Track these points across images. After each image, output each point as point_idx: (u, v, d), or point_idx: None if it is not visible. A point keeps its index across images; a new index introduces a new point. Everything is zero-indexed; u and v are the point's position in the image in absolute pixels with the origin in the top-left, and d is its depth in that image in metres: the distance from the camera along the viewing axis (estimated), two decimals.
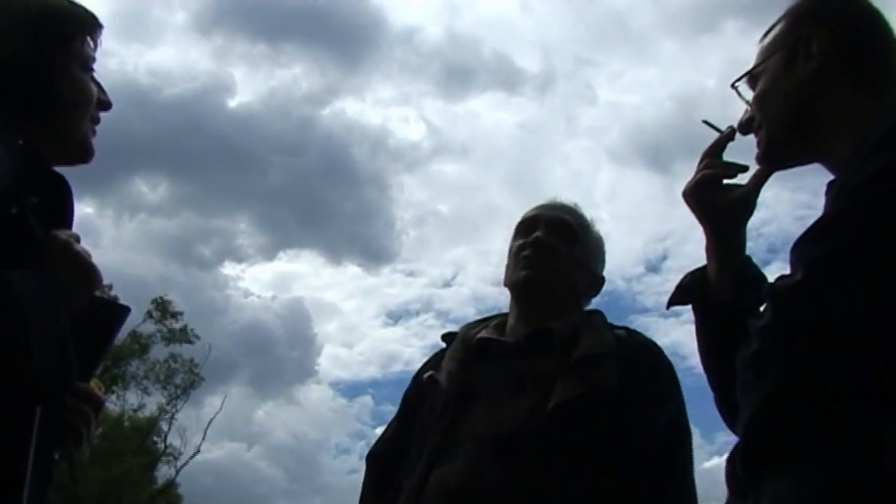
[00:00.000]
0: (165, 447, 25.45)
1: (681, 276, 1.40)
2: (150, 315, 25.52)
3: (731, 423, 1.22)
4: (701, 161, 1.36)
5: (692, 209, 1.35)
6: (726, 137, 1.36)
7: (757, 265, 1.35)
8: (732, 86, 1.31)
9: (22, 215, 1.11)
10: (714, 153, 1.36)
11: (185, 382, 25.72)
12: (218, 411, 25.87)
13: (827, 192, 1.14)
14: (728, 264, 1.32)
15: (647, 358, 1.74)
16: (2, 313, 0.99)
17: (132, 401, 25.77)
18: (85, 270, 1.18)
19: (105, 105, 1.35)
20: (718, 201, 1.33)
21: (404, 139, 45.63)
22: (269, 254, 40.32)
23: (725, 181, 1.35)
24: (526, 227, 1.88)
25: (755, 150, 1.30)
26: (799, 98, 1.21)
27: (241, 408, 32.88)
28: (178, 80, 37.00)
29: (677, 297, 1.38)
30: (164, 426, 25.69)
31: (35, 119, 1.23)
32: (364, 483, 1.88)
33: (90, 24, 1.33)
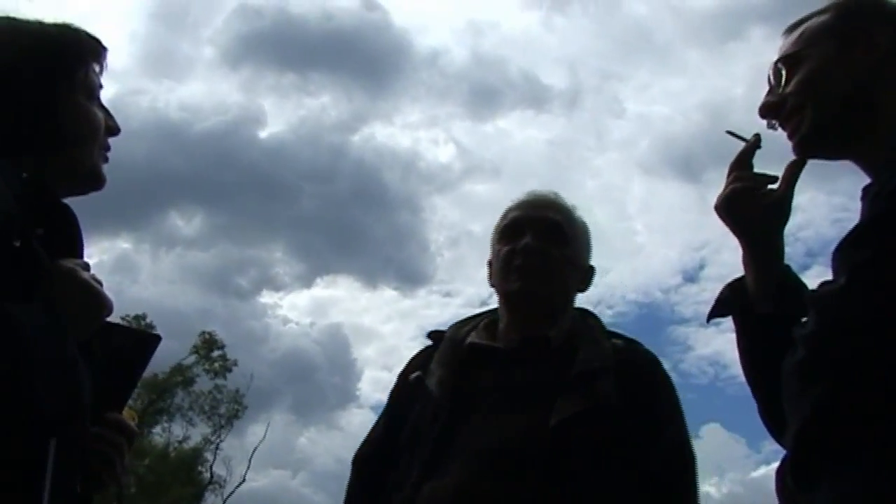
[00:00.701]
0: (211, 477, 25.66)
1: (719, 285, 1.38)
2: (196, 350, 25.84)
3: (778, 435, 1.19)
4: (729, 173, 1.33)
5: (726, 223, 1.32)
6: (753, 146, 1.33)
7: (796, 273, 1.32)
8: (775, 67, 1.26)
9: (27, 247, 1.10)
10: (742, 164, 1.32)
11: (229, 412, 25.96)
12: (262, 439, 26.05)
13: (863, 197, 1.12)
14: (767, 275, 1.29)
15: (646, 374, 1.69)
16: (2, 346, 0.98)
17: (177, 432, 26.06)
18: (92, 298, 1.16)
19: (113, 131, 1.34)
20: (752, 212, 1.30)
21: (434, 161, 45.88)
22: (306, 281, 40.82)
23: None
24: (512, 230, 1.79)
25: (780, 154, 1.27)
26: (857, 83, 1.17)
27: (284, 435, 33.06)
28: (209, 114, 37.80)
29: (717, 311, 1.35)
30: (209, 456, 25.91)
31: (41, 151, 1.22)
32: (350, 487, 1.80)
33: (94, 51, 1.32)
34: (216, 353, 25.88)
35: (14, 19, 1.28)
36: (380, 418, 1.86)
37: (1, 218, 1.06)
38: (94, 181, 1.31)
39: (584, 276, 1.85)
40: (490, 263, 1.84)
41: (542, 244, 1.74)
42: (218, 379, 25.80)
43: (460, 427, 1.62)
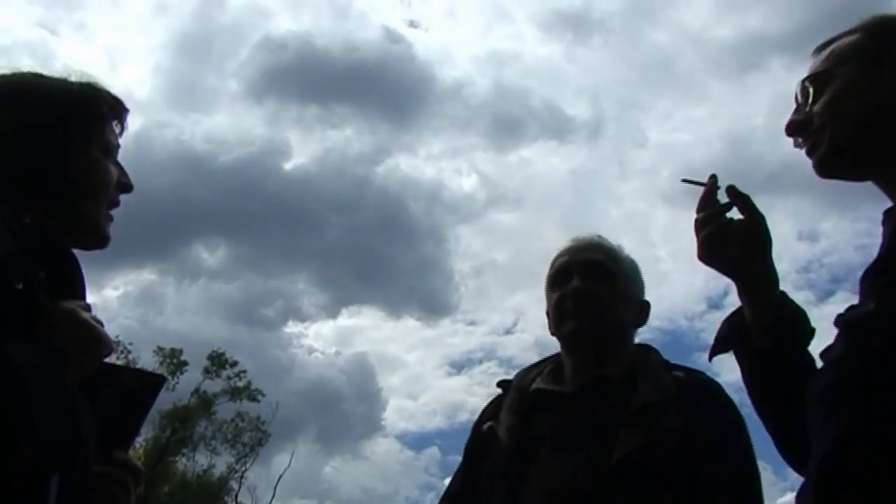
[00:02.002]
0: None
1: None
2: (206, 371, 25.92)
3: (799, 466, 1.18)
4: (696, 221, 1.32)
5: (713, 268, 1.31)
6: (709, 189, 1.32)
7: (792, 300, 1.31)
8: (803, 81, 1.25)
9: (27, 290, 1.12)
10: (705, 206, 1.32)
11: (252, 440, 25.95)
12: (287, 467, 26.03)
13: (884, 221, 1.13)
14: (763, 308, 1.28)
15: (708, 400, 1.69)
16: (1, 386, 0.99)
17: (202, 461, 26.05)
18: (91, 337, 1.17)
19: (126, 188, 1.37)
20: (731, 251, 1.29)
21: (458, 191, 46.08)
22: (332, 311, 40.90)
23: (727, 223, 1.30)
24: (561, 276, 1.84)
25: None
26: (882, 104, 1.15)
27: (310, 464, 33.03)
28: (233, 146, 38.34)
29: (717, 348, 1.34)
30: (235, 485, 25.87)
31: (46, 200, 1.25)
32: None
33: (114, 109, 1.37)
34: (234, 372, 25.92)
35: (41, 76, 1.33)
36: (458, 471, 1.91)
37: (1, 261, 1.08)
38: (96, 238, 1.33)
39: (639, 311, 1.87)
40: (547, 313, 1.88)
41: (588, 285, 1.78)
42: (240, 399, 25.83)
43: (529, 471, 1.65)
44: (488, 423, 1.80)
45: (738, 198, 1.30)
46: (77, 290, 1.24)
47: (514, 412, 1.77)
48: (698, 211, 1.32)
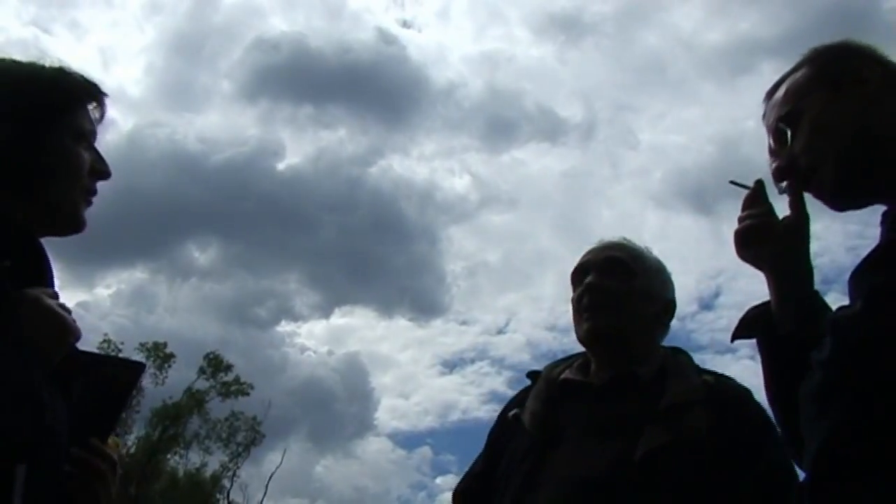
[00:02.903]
0: None
1: (735, 312, 1.38)
2: (202, 371, 25.87)
3: (800, 460, 1.20)
4: (742, 215, 1.33)
5: (745, 260, 1.32)
6: (756, 190, 1.32)
7: (823, 299, 1.29)
8: (776, 128, 1.25)
9: None
10: (751, 205, 1.32)
11: (246, 440, 25.93)
12: (278, 465, 25.99)
13: (882, 222, 1.13)
14: (790, 299, 1.27)
15: (737, 404, 1.66)
16: None
17: (194, 460, 26.01)
18: (57, 325, 1.14)
19: (102, 174, 1.33)
20: (767, 244, 1.29)
21: (451, 192, 46.11)
22: (324, 312, 40.86)
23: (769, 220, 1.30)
24: (578, 276, 1.84)
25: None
26: (860, 120, 1.16)
27: (302, 463, 33.00)
28: (225, 146, 38.25)
29: (741, 331, 1.33)
30: (226, 483, 25.84)
31: (14, 189, 1.21)
32: None
33: (89, 94, 1.32)
34: (230, 378, 25.91)
35: (14, 61, 1.29)
36: (480, 455, 1.91)
37: None
38: (72, 223, 1.29)
39: (665, 308, 1.85)
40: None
41: (604, 281, 1.78)
42: (230, 400, 25.81)
43: (550, 458, 1.66)
44: (513, 411, 1.82)
45: (794, 195, 1.28)
46: (44, 278, 1.21)
47: (540, 400, 1.78)
48: (744, 206, 1.33)
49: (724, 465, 1.55)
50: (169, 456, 25.60)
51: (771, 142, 1.27)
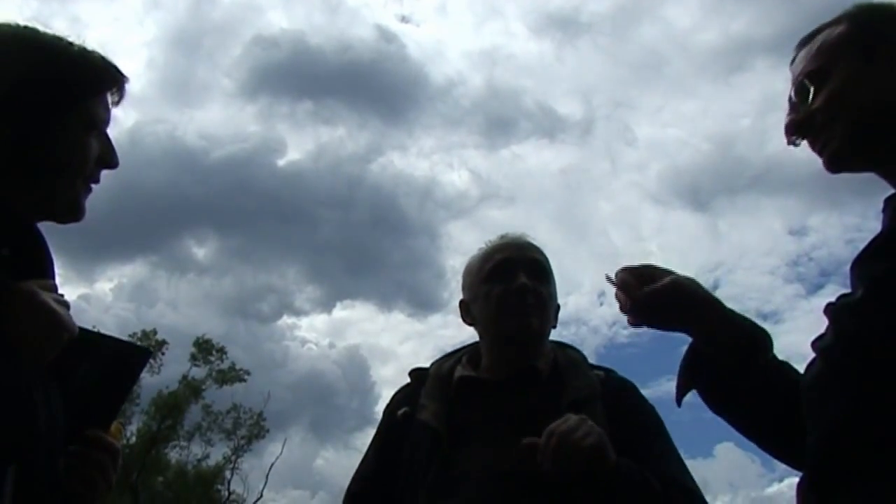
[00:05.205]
0: (229, 494, 25.62)
1: (733, 306, 1.33)
2: (193, 357, 25.85)
3: (788, 458, 1.21)
4: (624, 303, 1.35)
5: (665, 329, 1.34)
6: (620, 283, 1.34)
7: (739, 315, 1.31)
8: (800, 83, 1.23)
9: None
10: (628, 290, 1.33)
11: (250, 433, 25.93)
12: (279, 455, 26.01)
13: (884, 209, 1.12)
14: (719, 338, 1.28)
15: (628, 398, 1.80)
16: None
17: (196, 451, 26.03)
18: (50, 322, 1.08)
19: (110, 164, 1.28)
20: (663, 315, 1.32)
21: (451, 188, 46.05)
22: (325, 307, 40.83)
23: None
24: (503, 271, 1.85)
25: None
26: (885, 95, 1.14)
27: (303, 456, 33.03)
28: (226, 142, 38.18)
29: (685, 390, 1.34)
30: (228, 474, 25.88)
31: (15, 176, 1.17)
32: None
33: (108, 81, 1.27)
34: (226, 365, 25.87)
35: (37, 31, 1.24)
36: (368, 455, 1.89)
37: None
38: (72, 211, 1.25)
39: (556, 309, 1.93)
40: (464, 303, 1.92)
41: (536, 285, 1.83)
42: (227, 387, 25.77)
43: (460, 454, 1.68)
44: (403, 409, 1.82)
45: (638, 275, 1.32)
46: (44, 268, 1.18)
47: (437, 399, 1.80)
48: (621, 297, 1.34)
49: (623, 454, 1.60)
50: (169, 447, 25.64)
51: (792, 93, 1.25)
